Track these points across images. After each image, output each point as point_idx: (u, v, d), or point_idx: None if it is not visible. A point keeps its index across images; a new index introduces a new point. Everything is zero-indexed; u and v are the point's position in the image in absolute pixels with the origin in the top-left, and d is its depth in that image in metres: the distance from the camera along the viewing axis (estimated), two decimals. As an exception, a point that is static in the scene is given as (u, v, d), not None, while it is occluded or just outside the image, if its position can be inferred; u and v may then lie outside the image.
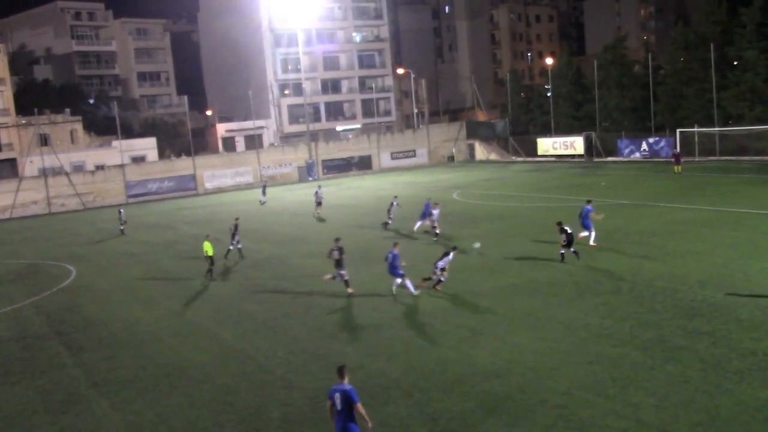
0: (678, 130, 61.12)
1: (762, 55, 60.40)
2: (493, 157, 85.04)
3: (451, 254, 23.85)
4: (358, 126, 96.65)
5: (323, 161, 78.63)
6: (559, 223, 26.43)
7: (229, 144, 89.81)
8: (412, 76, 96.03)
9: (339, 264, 24.05)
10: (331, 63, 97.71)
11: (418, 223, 35.60)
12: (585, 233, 28.86)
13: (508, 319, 20.10)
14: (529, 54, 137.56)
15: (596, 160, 70.20)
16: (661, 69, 72.89)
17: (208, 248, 28.29)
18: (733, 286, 21.46)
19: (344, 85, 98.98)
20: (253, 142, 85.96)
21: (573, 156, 73.11)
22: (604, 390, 14.73)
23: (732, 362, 15.54)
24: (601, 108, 74.17)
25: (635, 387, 14.76)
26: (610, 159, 69.72)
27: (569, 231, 25.99)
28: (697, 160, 60.43)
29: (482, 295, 22.84)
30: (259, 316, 22.63)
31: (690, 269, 23.85)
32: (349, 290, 24.09)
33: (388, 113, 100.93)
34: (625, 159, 68.22)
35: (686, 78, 66.68)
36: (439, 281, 23.72)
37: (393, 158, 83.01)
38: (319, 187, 49.27)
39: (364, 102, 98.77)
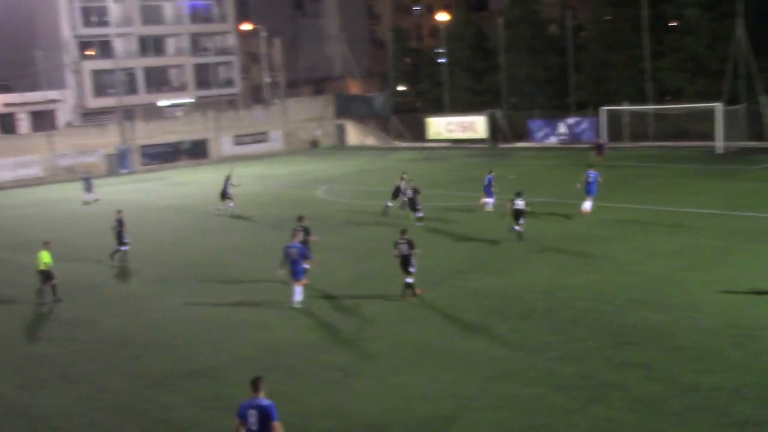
0: (603, 109, 63.83)
1: (705, 13, 63.98)
2: (370, 141, 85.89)
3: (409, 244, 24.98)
4: (190, 100, 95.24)
5: (142, 147, 76.94)
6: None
7: (8, 123, 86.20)
8: (263, 34, 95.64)
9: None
10: (151, 14, 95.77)
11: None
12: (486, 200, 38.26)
13: (391, 354, 20.30)
14: (416, 8, 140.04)
15: (502, 146, 72.32)
16: (582, 30, 75.90)
17: (46, 258, 27.90)
18: (670, 305, 22.61)
19: (170, 45, 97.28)
20: (43, 120, 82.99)
21: (473, 140, 74.92)
22: (515, 442, 15.15)
23: (670, 401, 16.34)
24: (509, 79, 76.37)
25: (553, 437, 15.26)
26: (519, 144, 71.99)
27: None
28: (627, 146, 63.37)
29: (358, 323, 22.98)
30: (54, 359, 21.89)
31: (620, 284, 24.95)
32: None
33: (230, 83, 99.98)
34: (539, 144, 70.64)
35: (613, 42, 69.75)
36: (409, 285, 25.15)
37: (237, 143, 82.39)
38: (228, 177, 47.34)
39: (198, 68, 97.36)
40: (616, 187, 43.49)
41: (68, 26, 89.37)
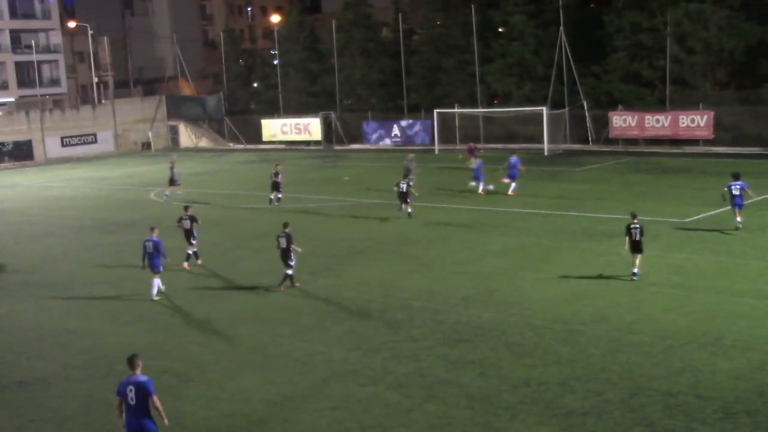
0: (436, 111, 65.21)
1: (531, 20, 66.32)
2: (203, 143, 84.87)
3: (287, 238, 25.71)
4: (11, 99, 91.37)
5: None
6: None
7: None
8: (90, 32, 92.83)
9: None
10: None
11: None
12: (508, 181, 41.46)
13: (227, 358, 20.12)
14: (249, 9, 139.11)
15: (337, 147, 72.81)
16: (414, 34, 77.31)
17: None
18: (502, 302, 23.35)
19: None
20: None
21: (308, 142, 75.18)
22: (353, 442, 15.28)
23: (503, 396, 16.88)
24: (342, 82, 76.95)
25: (390, 435, 15.48)
26: (354, 147, 72.65)
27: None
28: (458, 148, 64.91)
29: (192, 327, 22.67)
30: None
31: (452, 284, 25.56)
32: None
33: (55, 83, 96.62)
34: (373, 146, 71.49)
35: (445, 46, 71.35)
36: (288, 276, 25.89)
37: (65, 145, 79.64)
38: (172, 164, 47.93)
39: (19, 66, 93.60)
40: (447, 189, 44.45)
41: None
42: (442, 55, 71.45)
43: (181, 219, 29.81)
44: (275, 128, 78.47)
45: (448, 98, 68.76)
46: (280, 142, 77.43)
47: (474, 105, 67.23)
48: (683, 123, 57.97)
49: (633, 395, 16.46)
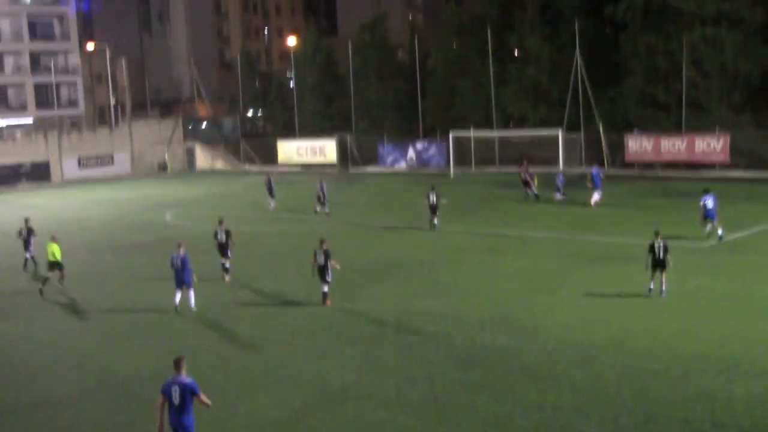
0: (451, 134, 65.25)
1: (546, 44, 66.45)
2: (219, 165, 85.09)
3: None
4: (29, 121, 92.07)
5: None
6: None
7: None
8: (108, 54, 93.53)
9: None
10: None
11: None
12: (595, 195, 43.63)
13: (240, 379, 20.10)
14: (265, 31, 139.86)
15: (352, 170, 72.86)
16: (430, 57, 77.54)
17: (55, 251, 30.31)
18: (516, 326, 23.27)
19: (8, 63, 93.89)
20: None
21: (324, 165, 75.27)
22: (365, 466, 15.24)
23: (516, 421, 16.78)
24: (358, 104, 77.16)
25: (403, 460, 15.42)
26: (370, 169, 72.70)
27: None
28: (473, 171, 64.94)
29: (206, 349, 22.67)
30: None
31: (467, 308, 25.49)
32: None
33: (73, 104, 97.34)
34: (389, 169, 71.53)
35: (460, 69, 71.50)
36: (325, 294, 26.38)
37: (82, 166, 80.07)
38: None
39: (38, 87, 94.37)
40: (462, 212, 44.43)
41: None
42: (457, 78, 71.61)
43: (216, 233, 30.68)
44: (290, 150, 78.69)
45: (464, 121, 68.79)
46: (296, 164, 77.60)
47: (489, 127, 67.21)
48: (699, 147, 57.77)
49: (648, 421, 16.35)
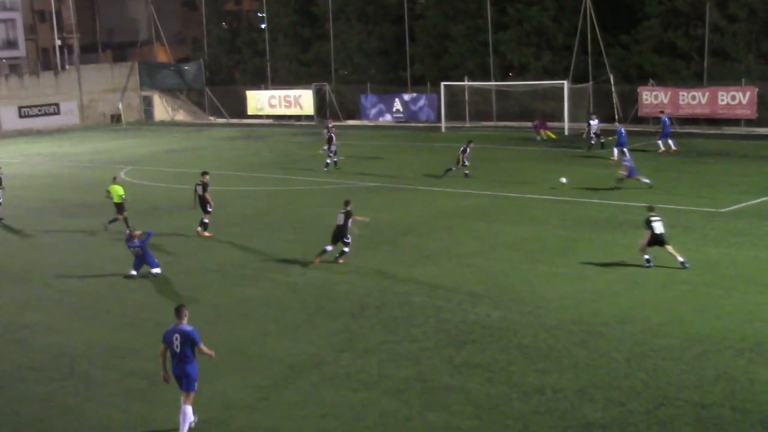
0: (443, 84, 65.00)
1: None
2: (181, 116, 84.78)
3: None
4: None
5: None
6: None
7: None
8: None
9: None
10: None
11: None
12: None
13: (203, 358, 20.10)
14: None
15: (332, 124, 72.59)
16: (418, -2, 77.03)
17: (120, 191, 33.70)
18: (513, 300, 23.31)
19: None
20: None
21: (299, 117, 75.08)
22: (343, 454, 15.32)
23: (513, 404, 16.85)
24: (338, 50, 76.70)
25: (386, 447, 15.51)
26: (351, 122, 72.50)
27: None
28: (468, 125, 64.88)
29: (164, 323, 22.57)
30: None
31: (458, 279, 25.53)
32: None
33: (12, 45, 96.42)
34: (372, 123, 71.36)
35: (454, 11, 70.98)
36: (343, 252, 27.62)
37: (23, 116, 79.48)
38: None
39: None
40: (454, 172, 44.38)
41: None
42: (450, 21, 71.09)
43: (196, 185, 32.39)
44: (262, 101, 78.42)
45: (457, 70, 68.61)
46: (268, 116, 77.32)
47: (486, 77, 67.03)
48: (723, 100, 57.77)
49: (660, 406, 16.47)
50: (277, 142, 62.81)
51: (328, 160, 47.01)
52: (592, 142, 50.88)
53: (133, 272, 26.87)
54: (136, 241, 26.85)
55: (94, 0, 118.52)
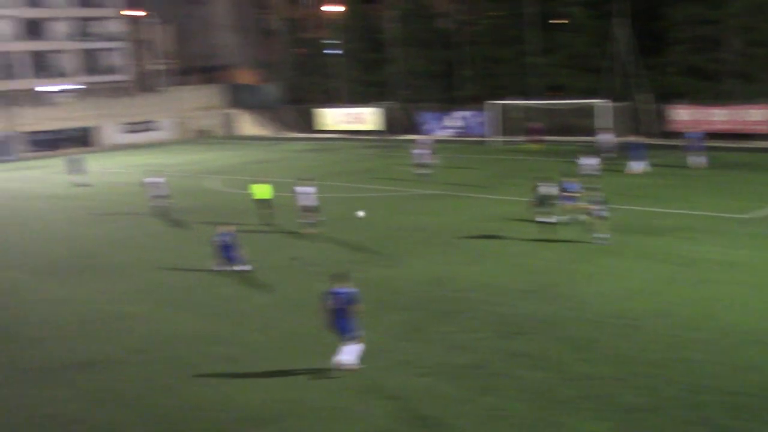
0: (491, 102, 64.51)
1: (590, 12, 65.28)
2: (261, 131, 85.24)
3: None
4: (78, 86, 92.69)
5: (26, 134, 74.37)
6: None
7: None
8: (152, 20, 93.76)
9: None
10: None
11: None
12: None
13: (284, 346, 20.10)
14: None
15: (393, 138, 72.53)
16: (470, 25, 76.65)
17: (268, 191, 34.42)
18: (559, 296, 22.95)
19: (59, 29, 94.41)
20: None
21: (364, 132, 75.19)
22: (408, 433, 15.13)
23: (560, 390, 16.54)
24: (399, 72, 76.62)
25: (446, 427, 15.27)
26: (410, 137, 72.29)
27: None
28: (517, 139, 64.32)
29: (251, 314, 22.73)
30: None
31: (508, 277, 25.24)
32: None
33: (118, 70, 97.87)
34: (431, 137, 71.03)
35: (500, 38, 70.60)
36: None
37: (126, 131, 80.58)
38: None
39: (85, 53, 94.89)
40: (505, 181, 44.02)
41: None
42: (497, 46, 70.81)
43: (297, 192, 32.79)
44: (331, 117, 78.74)
45: (504, 89, 68.08)
46: (337, 131, 77.50)
47: (529, 96, 66.48)
48: (745, 118, 56.69)
49: (694, 393, 16.04)
50: (348, 154, 62.82)
51: (424, 171, 46.01)
52: (610, 155, 48.92)
53: (222, 267, 26.91)
54: (225, 236, 26.90)
55: (186, 30, 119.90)
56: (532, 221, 31.74)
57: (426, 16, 77.60)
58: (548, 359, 18.25)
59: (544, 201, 30.99)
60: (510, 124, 65.43)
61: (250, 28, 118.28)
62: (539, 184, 31.31)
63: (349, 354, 17.70)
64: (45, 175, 59.49)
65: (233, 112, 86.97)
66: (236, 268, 26.82)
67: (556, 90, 68.63)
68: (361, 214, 33.81)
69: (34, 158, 71.89)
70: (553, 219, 30.70)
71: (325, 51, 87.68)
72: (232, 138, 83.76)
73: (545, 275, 25.18)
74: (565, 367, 17.79)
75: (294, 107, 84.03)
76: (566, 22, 67.97)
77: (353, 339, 17.76)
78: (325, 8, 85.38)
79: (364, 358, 18.37)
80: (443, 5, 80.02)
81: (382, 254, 28.76)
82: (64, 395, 17.79)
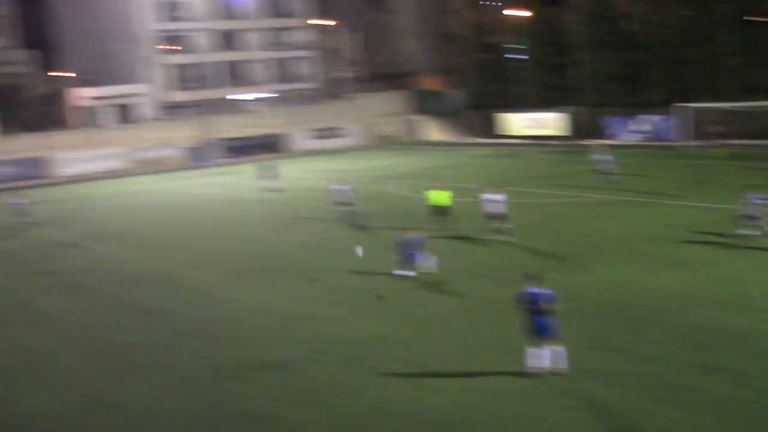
0: (681, 105, 62.28)
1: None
2: (446, 137, 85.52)
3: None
4: (270, 95, 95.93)
5: (222, 141, 77.60)
6: None
7: (89, 116, 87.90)
8: (343, 30, 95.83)
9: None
10: (231, 8, 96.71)
11: None
12: None
13: (466, 350, 20.10)
14: (488, 1, 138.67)
15: (578, 142, 71.20)
16: (656, 26, 74.33)
17: (442, 198, 34.19)
18: (753, 307, 21.94)
19: (249, 40, 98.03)
20: (125, 114, 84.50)
21: (549, 137, 74.14)
22: (595, 445, 14.85)
23: (756, 408, 15.82)
24: (583, 76, 75.25)
25: (634, 440, 14.93)
26: (595, 142, 70.76)
27: None
28: (705, 144, 61.78)
29: (435, 318, 22.89)
30: (133, 347, 22.27)
31: (700, 286, 24.35)
32: None
33: (309, 78, 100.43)
34: (614, 142, 69.39)
35: (690, 38, 68.14)
36: None
37: (314, 137, 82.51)
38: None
39: (278, 62, 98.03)
40: (695, 187, 42.43)
41: (151, 21, 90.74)
42: (687, 47, 68.36)
43: (483, 198, 32.80)
44: (514, 122, 78.19)
45: (694, 92, 65.61)
46: (520, 137, 76.89)
47: (721, 98, 63.72)
48: None
49: None
50: (532, 160, 62.12)
51: (608, 176, 45.08)
52: None
53: (405, 272, 27.21)
54: (411, 241, 27.34)
55: (371, 38, 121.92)
56: (728, 230, 30.35)
57: (611, 18, 75.85)
58: (742, 374, 17.44)
59: (754, 213, 28.94)
60: (701, 128, 63.04)
61: (434, 34, 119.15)
62: (748, 195, 29.65)
63: (545, 357, 17.80)
64: (238, 180, 61.79)
65: (418, 118, 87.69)
66: (417, 272, 27.09)
67: (752, 91, 65.59)
68: (360, 251, 30.61)
69: (228, 164, 74.82)
70: (758, 231, 29.06)
71: (506, 56, 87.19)
72: (416, 144, 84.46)
73: (739, 286, 24.09)
74: (758, 383, 16.95)
75: (477, 112, 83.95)
76: (763, 20, 64.83)
77: (552, 341, 17.82)
78: (508, 12, 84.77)
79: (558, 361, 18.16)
80: (629, 6, 78.06)
81: (567, 261, 28.32)
82: (254, 393, 18.45)
